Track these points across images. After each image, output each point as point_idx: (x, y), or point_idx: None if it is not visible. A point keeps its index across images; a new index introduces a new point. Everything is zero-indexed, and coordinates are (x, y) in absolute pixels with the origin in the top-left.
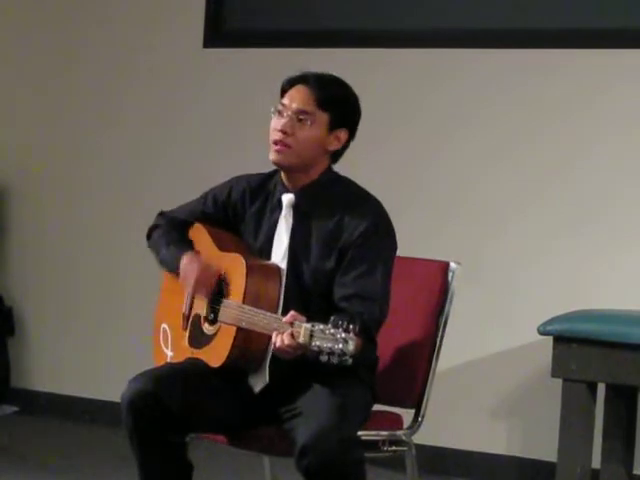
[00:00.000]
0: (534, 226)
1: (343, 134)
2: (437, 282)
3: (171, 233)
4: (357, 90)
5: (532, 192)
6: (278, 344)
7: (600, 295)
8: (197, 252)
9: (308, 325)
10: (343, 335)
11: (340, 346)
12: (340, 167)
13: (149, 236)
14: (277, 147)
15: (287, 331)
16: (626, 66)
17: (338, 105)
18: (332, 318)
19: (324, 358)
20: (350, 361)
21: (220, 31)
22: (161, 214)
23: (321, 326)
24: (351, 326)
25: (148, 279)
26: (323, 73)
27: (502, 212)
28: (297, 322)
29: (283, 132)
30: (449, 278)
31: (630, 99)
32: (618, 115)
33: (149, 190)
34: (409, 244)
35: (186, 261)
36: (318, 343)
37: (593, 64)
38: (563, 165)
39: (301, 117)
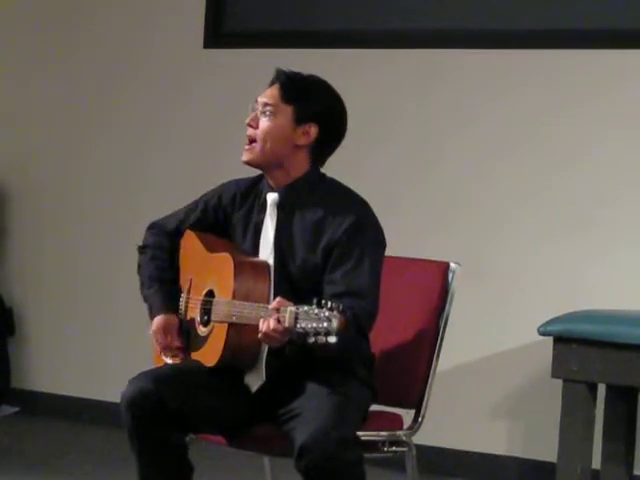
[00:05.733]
0: (534, 226)
1: (313, 129)
2: (437, 282)
3: (157, 260)
4: (357, 90)
5: (532, 192)
6: (264, 329)
7: (600, 295)
8: (168, 313)
9: (293, 308)
10: (327, 314)
11: (324, 324)
12: (340, 166)
13: (140, 252)
14: (246, 147)
15: (273, 316)
16: (626, 66)
17: (302, 98)
18: (315, 299)
19: (311, 340)
20: (335, 339)
21: (220, 31)
22: (151, 227)
23: (305, 308)
24: (334, 304)
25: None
26: (299, 72)
27: (502, 213)
28: (282, 307)
29: (250, 126)
30: (449, 278)
31: (630, 99)
32: (618, 115)
33: (149, 190)
34: (409, 244)
35: (153, 328)
36: (303, 325)
37: (593, 64)
38: (563, 165)
39: (264, 110)
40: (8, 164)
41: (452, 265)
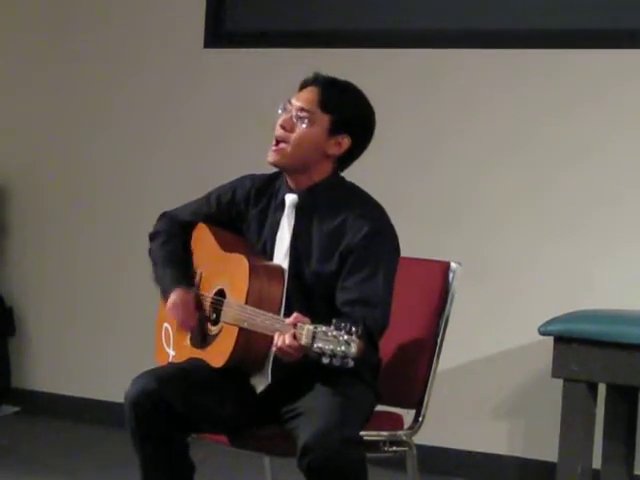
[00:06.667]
0: (534, 226)
1: (345, 140)
2: (438, 282)
3: (170, 245)
4: None
5: (532, 192)
6: (279, 344)
7: (600, 295)
8: (188, 288)
9: (311, 327)
10: (346, 337)
11: (342, 348)
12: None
13: (151, 239)
14: (273, 148)
15: (289, 332)
16: (626, 66)
17: (341, 109)
18: (334, 320)
19: (326, 360)
20: (352, 364)
21: (220, 31)
22: (163, 215)
23: (324, 328)
24: (354, 328)
25: (149, 279)
26: (340, 79)
27: (502, 212)
28: (300, 324)
29: (282, 127)
30: (450, 278)
31: (630, 99)
32: (618, 115)
33: (149, 190)
34: (409, 244)
35: (171, 300)
36: (320, 345)
37: (593, 64)
38: (563, 165)
39: (301, 115)
40: (9, 163)
41: (453, 265)
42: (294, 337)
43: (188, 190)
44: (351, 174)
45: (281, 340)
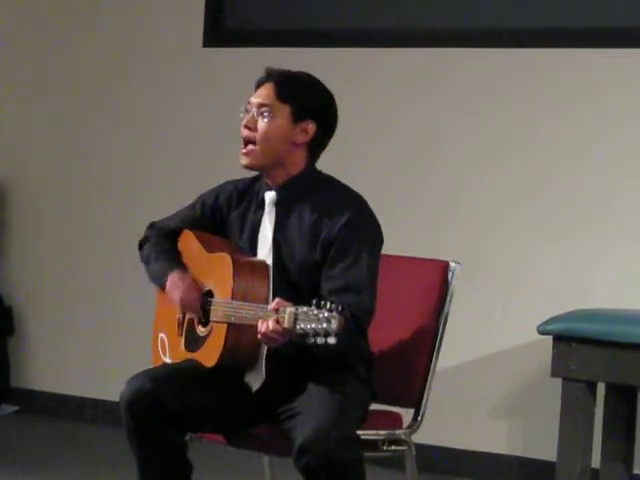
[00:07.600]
0: (534, 226)
1: (310, 126)
2: (437, 282)
3: (160, 245)
4: (357, 90)
5: (532, 192)
6: (263, 330)
7: (600, 295)
8: (184, 270)
9: (292, 309)
10: (326, 314)
11: (324, 325)
12: (339, 166)
13: (140, 247)
14: (243, 151)
15: (272, 317)
16: (626, 66)
17: (299, 96)
18: (315, 300)
19: (310, 340)
20: (335, 340)
21: (220, 31)
22: (151, 226)
23: (304, 308)
24: (334, 305)
25: (148, 278)
26: (291, 70)
27: (502, 212)
28: (282, 308)
29: (246, 127)
30: (449, 278)
31: (630, 99)
32: (617, 115)
33: (148, 189)
34: (409, 243)
35: (171, 282)
36: (302, 325)
37: (593, 64)
38: (563, 164)
39: (261, 110)
40: (9, 163)
41: (452, 264)
42: (277, 322)
43: (188, 190)
44: (350, 173)
45: (264, 326)
